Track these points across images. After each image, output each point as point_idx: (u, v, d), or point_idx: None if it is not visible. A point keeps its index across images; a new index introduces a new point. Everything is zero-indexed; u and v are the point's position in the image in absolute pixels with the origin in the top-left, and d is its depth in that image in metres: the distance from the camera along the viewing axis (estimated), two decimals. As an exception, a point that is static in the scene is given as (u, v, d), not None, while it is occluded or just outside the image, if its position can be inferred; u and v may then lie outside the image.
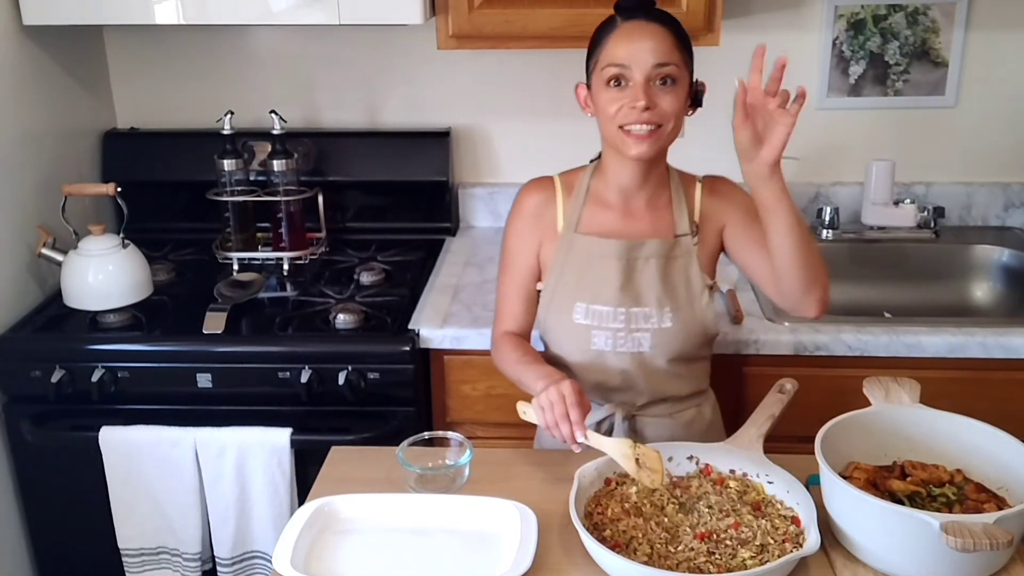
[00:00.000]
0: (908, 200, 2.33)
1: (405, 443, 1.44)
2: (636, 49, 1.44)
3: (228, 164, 2.22)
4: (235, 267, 2.24)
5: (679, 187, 1.61)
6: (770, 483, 1.34)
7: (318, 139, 2.39)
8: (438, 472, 1.42)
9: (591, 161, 1.62)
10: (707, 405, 1.66)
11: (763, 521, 1.27)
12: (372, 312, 2.01)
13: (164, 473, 1.91)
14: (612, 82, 1.46)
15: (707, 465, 1.39)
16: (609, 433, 1.55)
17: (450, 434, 1.49)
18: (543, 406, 1.38)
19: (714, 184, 1.62)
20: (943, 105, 2.36)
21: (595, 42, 1.51)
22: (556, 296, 1.58)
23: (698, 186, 1.61)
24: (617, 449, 1.33)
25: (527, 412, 1.44)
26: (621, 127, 1.46)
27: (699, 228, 1.58)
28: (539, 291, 1.62)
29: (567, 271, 1.57)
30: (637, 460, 1.31)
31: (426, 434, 1.48)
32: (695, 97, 1.53)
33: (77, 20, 2.04)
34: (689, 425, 1.60)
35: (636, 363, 1.55)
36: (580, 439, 1.35)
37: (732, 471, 1.38)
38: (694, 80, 1.52)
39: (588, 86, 1.53)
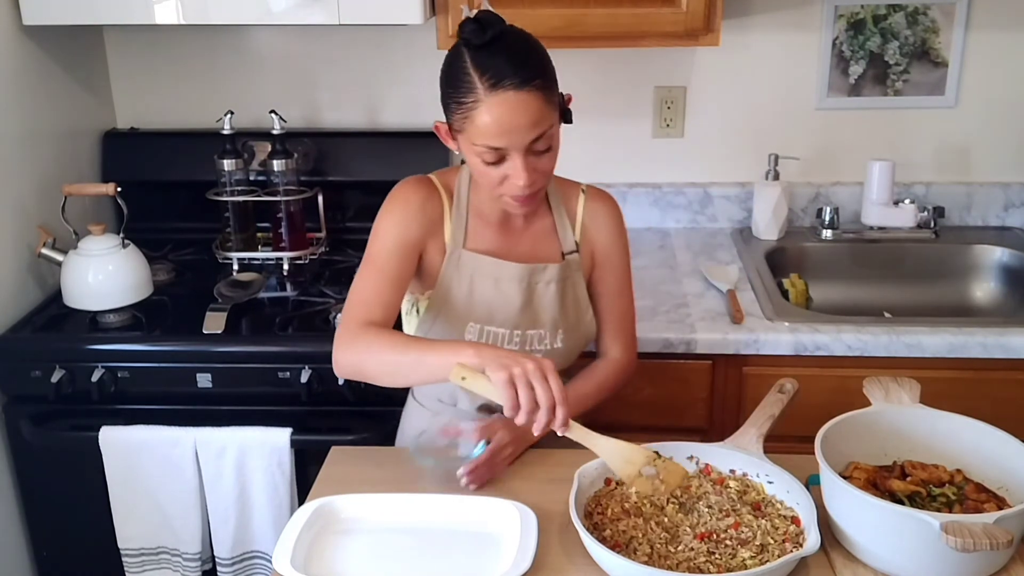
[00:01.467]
0: (908, 200, 2.33)
1: (416, 437, 1.42)
2: (509, 129, 1.33)
3: (228, 164, 2.22)
4: (235, 267, 2.24)
5: (559, 198, 1.57)
6: (770, 483, 1.34)
7: (318, 139, 2.39)
8: (452, 464, 1.39)
9: (464, 162, 1.52)
10: None
11: (763, 521, 1.27)
12: (372, 312, 2.01)
13: (164, 473, 1.91)
14: (487, 159, 1.37)
15: (707, 465, 1.39)
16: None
17: (462, 425, 1.46)
18: (515, 379, 1.21)
19: (596, 204, 1.58)
20: (943, 105, 2.36)
21: (453, 99, 1.37)
22: (442, 314, 1.52)
23: (581, 197, 1.58)
24: (619, 453, 1.28)
25: (468, 379, 1.25)
26: (503, 194, 1.42)
27: (579, 246, 1.57)
28: (414, 301, 1.55)
29: (455, 288, 1.51)
30: (640, 472, 1.28)
31: (437, 427, 1.45)
32: (562, 115, 1.43)
33: (77, 20, 2.04)
34: None
35: None
36: (560, 434, 1.27)
37: (732, 471, 1.37)
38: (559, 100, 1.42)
39: (450, 127, 1.41)
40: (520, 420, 1.23)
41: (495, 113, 1.33)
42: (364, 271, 1.49)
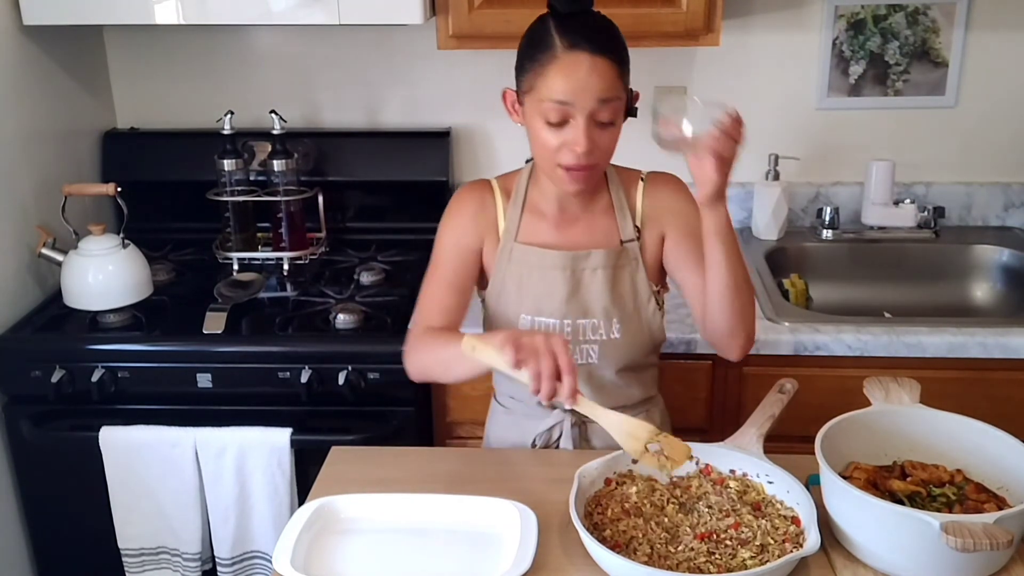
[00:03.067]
0: (908, 200, 2.33)
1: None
2: (579, 87, 1.36)
3: (228, 164, 2.22)
4: (235, 267, 2.24)
5: (619, 188, 1.55)
6: (770, 483, 1.34)
7: (318, 139, 2.39)
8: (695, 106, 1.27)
9: (527, 162, 1.56)
10: (656, 411, 1.63)
11: (763, 521, 1.27)
12: (372, 312, 2.01)
13: (164, 473, 1.91)
14: (551, 118, 1.38)
15: (707, 465, 1.39)
16: (558, 441, 1.56)
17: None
18: (523, 347, 1.24)
19: (657, 185, 1.55)
20: (943, 105, 2.37)
21: (529, 58, 1.40)
22: (500, 305, 1.54)
23: (640, 185, 1.55)
24: (623, 427, 1.28)
25: (477, 348, 1.30)
26: (559, 164, 1.41)
27: (641, 232, 1.54)
28: (482, 298, 1.58)
29: (508, 281, 1.53)
30: (646, 447, 1.27)
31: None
32: (628, 108, 1.46)
33: (77, 20, 2.04)
34: None
35: (584, 374, 1.51)
36: (568, 406, 1.27)
37: (732, 471, 1.37)
38: (628, 90, 1.45)
39: (518, 95, 1.45)
40: (534, 387, 1.24)
41: (569, 68, 1.36)
42: (427, 278, 1.57)
